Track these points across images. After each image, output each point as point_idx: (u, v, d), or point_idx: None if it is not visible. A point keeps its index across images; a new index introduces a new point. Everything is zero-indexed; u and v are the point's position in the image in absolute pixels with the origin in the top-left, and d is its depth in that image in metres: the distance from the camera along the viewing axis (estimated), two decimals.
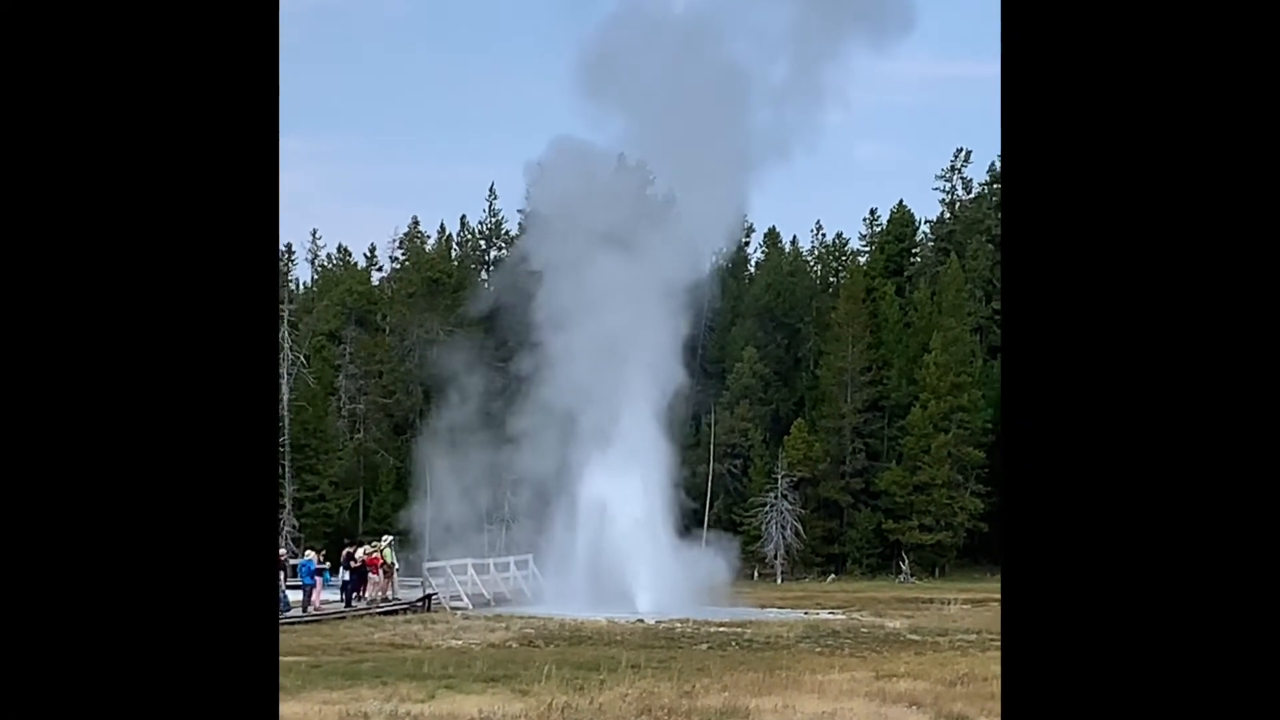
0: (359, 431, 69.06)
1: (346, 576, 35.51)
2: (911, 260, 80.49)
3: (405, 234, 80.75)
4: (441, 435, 53.16)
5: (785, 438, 68.22)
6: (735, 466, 69.16)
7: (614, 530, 42.70)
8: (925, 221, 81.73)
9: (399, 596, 37.42)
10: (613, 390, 44.31)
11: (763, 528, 65.05)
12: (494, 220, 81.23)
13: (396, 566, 38.73)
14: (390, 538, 40.75)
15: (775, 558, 64.98)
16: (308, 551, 37.81)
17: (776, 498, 65.38)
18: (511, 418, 48.02)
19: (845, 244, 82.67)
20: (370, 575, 36.19)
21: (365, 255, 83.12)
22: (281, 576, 33.23)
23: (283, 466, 59.66)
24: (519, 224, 78.37)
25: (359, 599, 35.33)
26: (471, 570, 40.89)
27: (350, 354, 70.12)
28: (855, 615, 37.64)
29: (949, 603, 42.04)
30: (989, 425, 66.56)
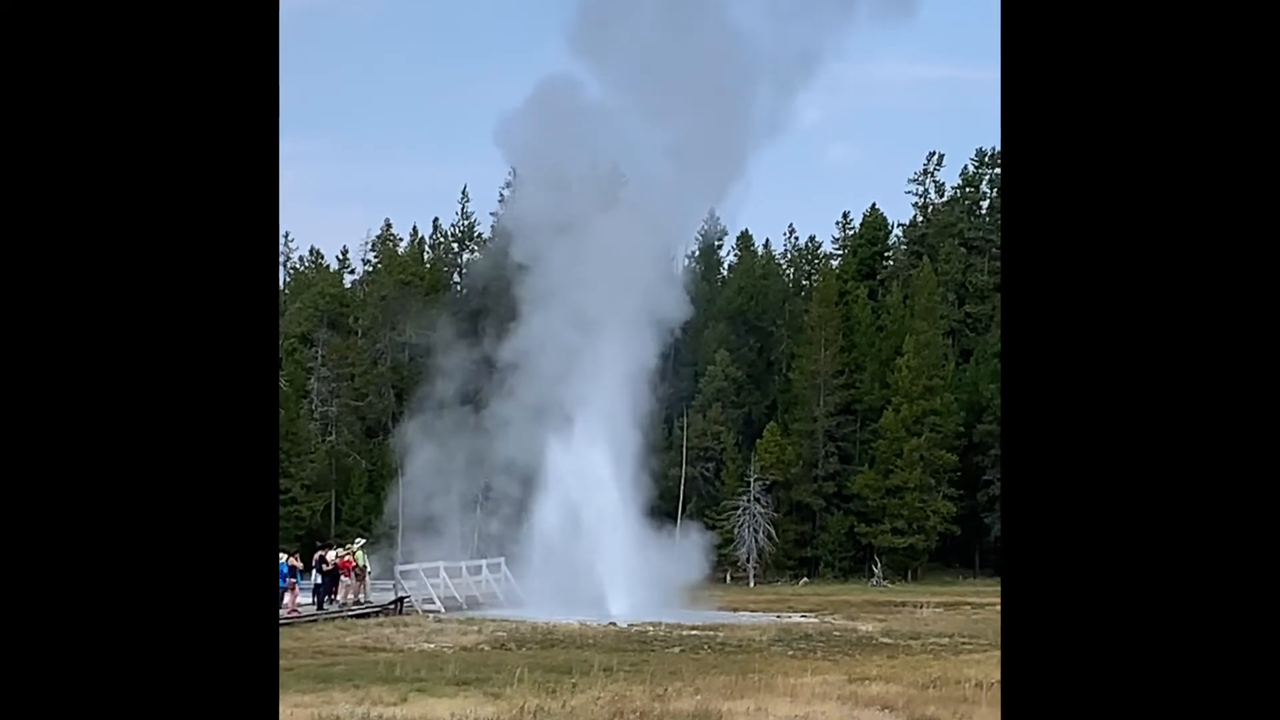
0: (331, 434, 68.91)
1: (318, 579, 35.38)
2: (884, 264, 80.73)
3: (378, 236, 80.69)
4: (415, 434, 53.10)
5: (758, 441, 68.30)
6: (708, 469, 69.17)
7: (586, 533, 42.68)
8: (898, 225, 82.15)
9: (370, 599, 37.32)
10: (585, 390, 44.35)
11: (735, 531, 65.06)
12: (467, 223, 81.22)
13: (369, 569, 38.63)
14: (362, 540, 40.67)
15: (748, 561, 65.03)
16: (280, 554, 37.65)
17: (749, 501, 65.43)
18: (483, 417, 48.00)
19: (818, 247, 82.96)
20: (342, 578, 36.07)
21: (338, 258, 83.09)
22: None
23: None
24: (490, 226, 78.54)
25: (330, 602, 35.22)
26: (444, 573, 40.81)
27: (322, 356, 69.98)
28: (828, 619, 37.67)
29: (921, 606, 42.14)
30: (961, 429, 66.78)
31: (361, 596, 36.97)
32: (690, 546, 47.13)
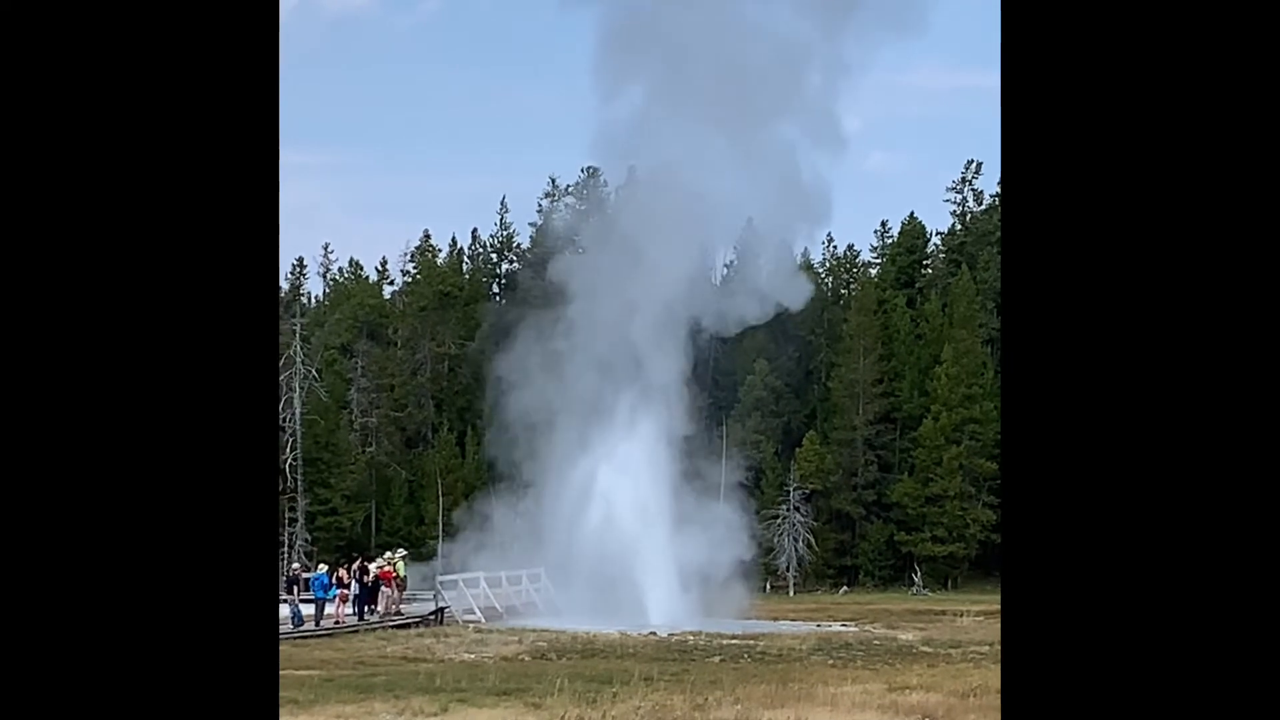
0: (371, 445, 69.10)
1: (358, 590, 35.49)
2: (923, 272, 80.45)
3: (417, 247, 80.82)
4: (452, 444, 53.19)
5: (797, 450, 68.16)
6: (747, 479, 69.10)
7: (627, 543, 42.69)
8: (936, 233, 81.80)
9: (406, 610, 37.38)
10: (625, 399, 44.44)
11: (775, 540, 64.93)
12: (505, 234, 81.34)
13: (406, 580, 38.73)
14: (404, 551, 40.79)
15: (787, 570, 64.91)
16: (320, 565, 37.80)
17: (789, 510, 65.30)
18: (520, 426, 48.09)
19: (856, 255, 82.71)
20: (383, 588, 36.18)
21: (377, 269, 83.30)
22: (295, 591, 33.28)
23: (295, 480, 59.73)
24: (530, 237, 78.64)
25: (371, 612, 35.34)
26: (484, 583, 40.88)
27: (362, 367, 70.19)
28: (868, 627, 37.60)
29: (961, 615, 41.98)
30: (1000, 436, 66.39)
31: (399, 607, 37.06)
32: (731, 555, 47.03)
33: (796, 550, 65.07)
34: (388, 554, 39.30)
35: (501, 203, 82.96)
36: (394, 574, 36.70)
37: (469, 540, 48.73)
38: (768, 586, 61.84)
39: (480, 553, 47.24)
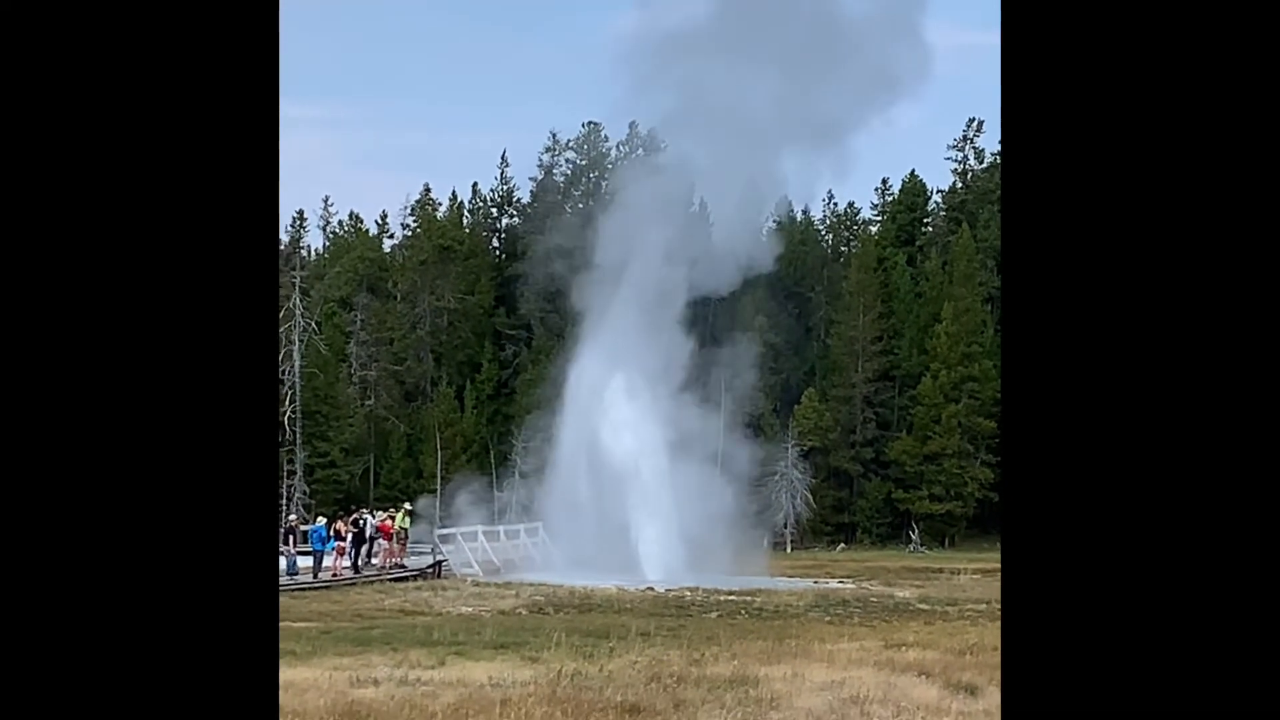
0: (370, 398, 69.17)
1: (355, 542, 35.58)
2: (923, 230, 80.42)
3: (417, 201, 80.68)
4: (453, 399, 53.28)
5: (796, 407, 68.20)
6: (746, 434, 69.14)
7: (624, 498, 42.79)
8: (937, 191, 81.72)
9: (404, 564, 37.46)
10: (624, 356, 44.48)
11: (773, 496, 65.03)
12: (506, 188, 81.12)
13: (408, 534, 38.79)
14: (408, 505, 40.88)
15: (785, 527, 65.00)
16: (319, 518, 37.87)
17: (787, 466, 65.36)
18: (525, 384, 48.21)
19: (857, 213, 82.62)
20: (380, 541, 36.24)
21: (377, 222, 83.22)
22: (291, 542, 33.32)
23: (294, 433, 59.79)
24: (531, 191, 78.51)
25: (368, 565, 35.42)
26: (481, 537, 40.98)
27: (361, 321, 70.22)
28: (865, 585, 37.68)
29: (958, 572, 42.06)
30: (999, 395, 66.35)
31: (400, 560, 37.12)
32: (730, 512, 47.18)
33: (794, 507, 65.15)
34: (390, 510, 39.36)
35: (502, 157, 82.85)
36: (392, 527, 36.74)
37: (467, 494, 48.89)
38: (765, 543, 61.98)
39: (478, 506, 47.41)
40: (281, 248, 58.49)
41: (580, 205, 71.68)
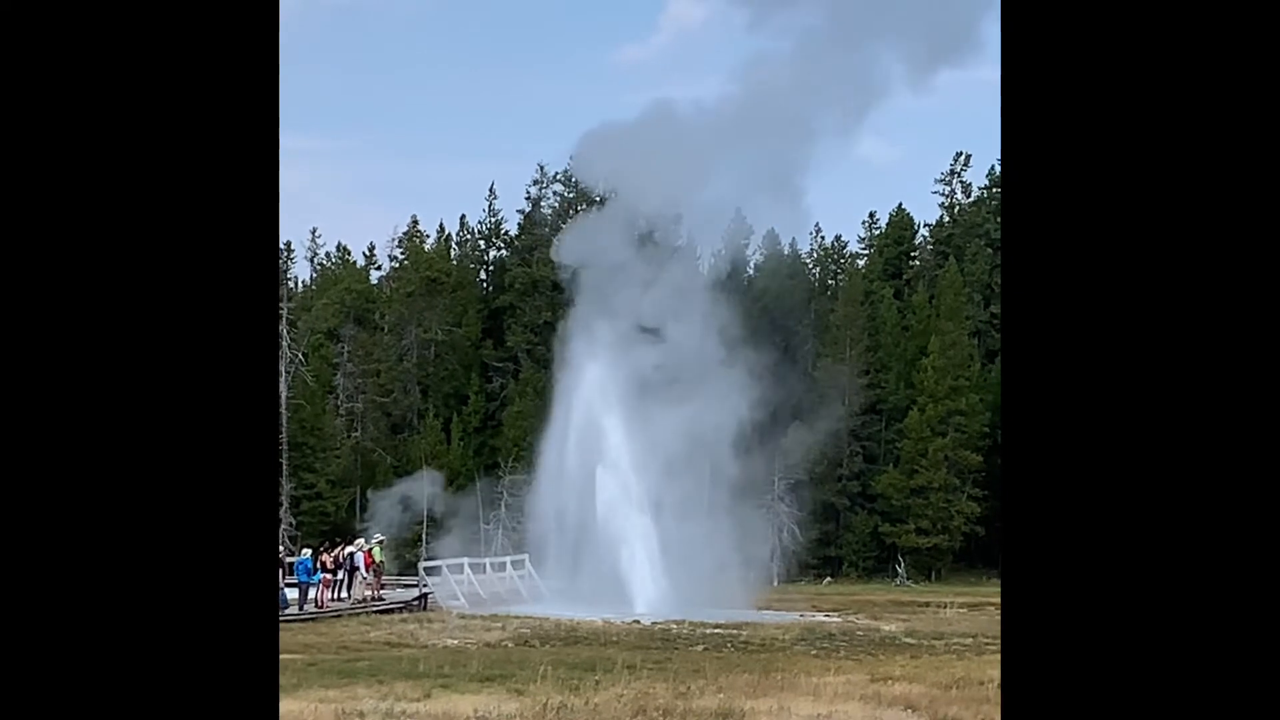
0: (356, 430, 69.03)
1: (340, 575, 35.53)
2: (910, 263, 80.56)
3: (404, 233, 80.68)
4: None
5: (782, 440, 68.15)
6: (732, 468, 68.98)
7: (611, 531, 42.76)
8: (924, 225, 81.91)
9: (383, 596, 37.34)
10: (609, 390, 44.50)
11: (759, 530, 64.81)
12: (494, 220, 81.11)
13: (384, 566, 38.73)
14: (380, 536, 40.76)
15: (771, 560, 64.86)
16: (304, 550, 37.80)
17: (773, 500, 65.27)
18: (512, 417, 48.19)
19: (844, 246, 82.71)
20: (360, 573, 36.18)
21: (364, 254, 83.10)
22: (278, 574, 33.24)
23: (280, 464, 59.66)
24: (518, 223, 78.49)
25: (348, 597, 35.36)
26: (468, 570, 40.92)
27: (348, 352, 70.11)
28: (851, 618, 37.64)
29: (945, 606, 42.03)
30: (986, 429, 66.54)
31: (378, 592, 37.04)
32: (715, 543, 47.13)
33: (780, 540, 65.02)
34: (360, 540, 39.21)
35: (490, 189, 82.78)
36: (372, 560, 36.68)
37: (453, 527, 48.82)
38: (752, 576, 61.83)
39: (465, 539, 47.35)
40: None
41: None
